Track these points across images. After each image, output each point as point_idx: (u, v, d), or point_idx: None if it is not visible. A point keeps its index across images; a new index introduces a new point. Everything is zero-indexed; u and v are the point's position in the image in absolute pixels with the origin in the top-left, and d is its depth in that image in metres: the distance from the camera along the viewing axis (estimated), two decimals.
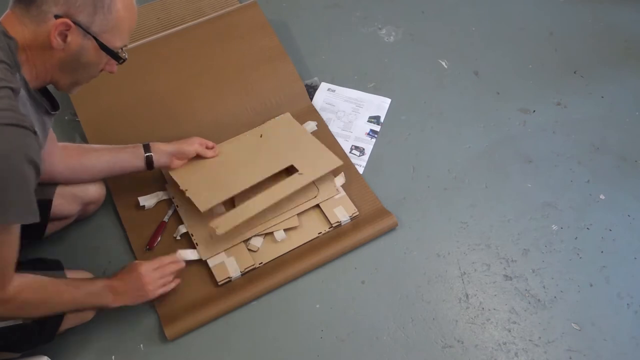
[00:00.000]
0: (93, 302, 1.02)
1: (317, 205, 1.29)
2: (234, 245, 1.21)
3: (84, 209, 1.22)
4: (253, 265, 1.20)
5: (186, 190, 1.20)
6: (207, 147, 1.28)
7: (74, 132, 1.43)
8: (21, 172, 0.75)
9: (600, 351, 1.12)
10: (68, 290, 0.95)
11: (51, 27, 0.79)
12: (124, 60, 0.90)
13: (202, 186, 1.22)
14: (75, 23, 0.80)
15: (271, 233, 1.24)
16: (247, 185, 1.22)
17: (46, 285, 0.92)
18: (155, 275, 1.07)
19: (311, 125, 1.44)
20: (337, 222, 1.26)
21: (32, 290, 0.89)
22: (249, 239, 1.23)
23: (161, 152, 1.20)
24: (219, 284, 1.17)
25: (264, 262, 1.21)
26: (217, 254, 1.20)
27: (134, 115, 1.40)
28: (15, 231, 0.80)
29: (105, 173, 1.19)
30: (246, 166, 1.28)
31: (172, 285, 1.11)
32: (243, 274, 1.19)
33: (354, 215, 1.27)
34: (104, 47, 0.85)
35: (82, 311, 1.05)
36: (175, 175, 1.23)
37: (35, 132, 0.77)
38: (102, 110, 1.41)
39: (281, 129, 1.39)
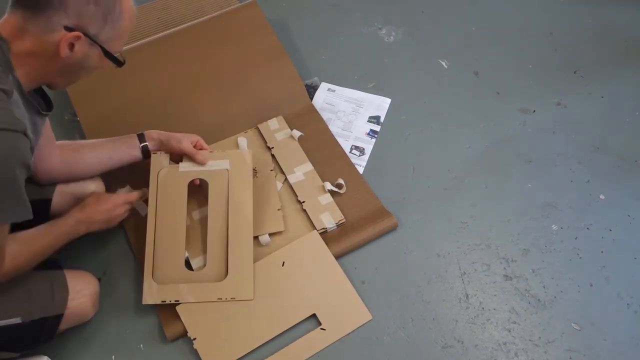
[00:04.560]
0: (70, 238, 1.06)
1: (304, 210, 1.29)
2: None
3: None
4: None
5: (194, 339, 1.09)
6: (200, 148, 1.24)
7: (74, 132, 1.43)
8: (12, 175, 0.78)
9: (600, 351, 1.12)
10: (46, 239, 1.00)
11: (60, 37, 0.80)
12: (124, 63, 0.91)
13: (213, 336, 1.10)
14: (85, 34, 0.81)
15: (256, 237, 1.23)
16: (264, 340, 1.10)
17: (29, 245, 0.96)
18: (118, 201, 1.14)
19: (295, 133, 1.41)
20: (323, 228, 1.25)
21: (20, 256, 0.93)
22: None
23: (152, 140, 1.21)
24: None
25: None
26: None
27: (133, 115, 1.40)
28: (6, 226, 0.84)
29: (104, 166, 1.19)
30: (264, 311, 1.13)
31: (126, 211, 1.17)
32: None
33: (340, 222, 1.27)
34: (108, 54, 0.87)
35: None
36: (183, 317, 1.11)
37: (26, 134, 0.79)
38: (102, 110, 1.41)
39: (306, 257, 1.20)
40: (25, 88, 0.85)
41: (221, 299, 1.12)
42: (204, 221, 1.25)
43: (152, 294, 1.11)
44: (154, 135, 1.21)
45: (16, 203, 0.81)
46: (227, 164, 1.22)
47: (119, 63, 0.90)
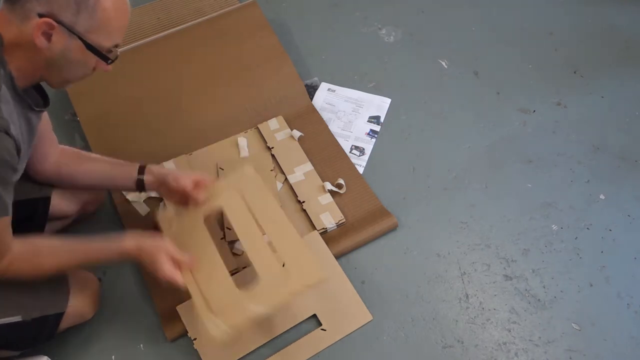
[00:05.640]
0: (101, 264, 1.02)
1: (304, 210, 1.29)
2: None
3: (83, 208, 1.22)
4: (236, 268, 1.19)
5: (195, 339, 1.09)
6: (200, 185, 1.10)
7: (74, 132, 1.43)
8: None
9: (600, 351, 1.12)
10: (66, 260, 0.95)
11: (34, 26, 0.78)
12: (112, 60, 0.88)
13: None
14: (58, 22, 0.79)
15: None
16: (264, 341, 1.09)
17: (41, 256, 0.92)
18: (171, 266, 0.98)
19: (295, 133, 1.41)
20: (323, 228, 1.25)
21: (24, 262, 0.90)
22: (234, 242, 1.23)
23: (151, 174, 1.11)
24: None
25: (247, 266, 1.19)
26: None
27: (133, 115, 1.40)
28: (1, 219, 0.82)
29: (96, 185, 1.15)
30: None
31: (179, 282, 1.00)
32: None
33: (340, 222, 1.27)
34: (90, 47, 0.83)
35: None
36: (183, 317, 1.11)
37: (8, 133, 0.77)
38: (101, 111, 1.41)
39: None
40: (20, 83, 0.83)
41: (294, 293, 0.97)
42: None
43: (220, 332, 0.95)
44: (153, 170, 1.11)
45: None
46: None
47: (104, 58, 0.86)
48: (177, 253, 0.99)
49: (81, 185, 1.15)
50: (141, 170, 1.11)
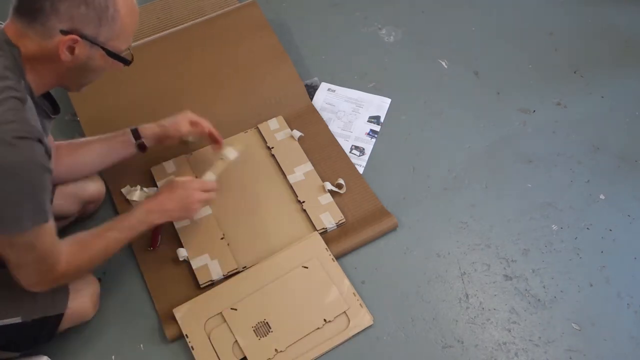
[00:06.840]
0: (140, 231, 1.04)
1: (304, 210, 1.29)
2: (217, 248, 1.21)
3: (83, 208, 1.22)
4: (236, 269, 1.19)
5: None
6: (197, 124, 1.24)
7: (74, 132, 1.43)
8: (34, 181, 0.79)
9: (600, 351, 1.12)
10: (111, 235, 1.00)
11: (58, 42, 0.80)
12: (131, 61, 0.92)
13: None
14: (82, 37, 0.81)
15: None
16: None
17: (88, 244, 0.97)
18: (199, 193, 1.12)
19: (295, 133, 1.41)
20: (323, 228, 1.25)
21: (79, 256, 0.95)
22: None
23: (147, 137, 1.20)
24: (201, 286, 1.17)
25: (247, 266, 1.19)
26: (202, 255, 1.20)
27: (134, 115, 1.40)
28: (45, 226, 0.84)
29: (100, 165, 1.19)
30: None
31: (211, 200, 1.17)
32: (226, 278, 1.18)
33: (340, 222, 1.27)
34: (112, 54, 0.87)
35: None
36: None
37: (42, 141, 0.80)
38: (102, 111, 1.41)
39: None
40: (35, 92, 0.86)
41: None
42: (204, 220, 1.25)
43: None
44: (148, 133, 1.19)
45: (37, 208, 0.81)
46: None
47: (125, 62, 0.90)
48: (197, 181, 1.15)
49: (86, 172, 1.19)
50: (136, 134, 1.18)
